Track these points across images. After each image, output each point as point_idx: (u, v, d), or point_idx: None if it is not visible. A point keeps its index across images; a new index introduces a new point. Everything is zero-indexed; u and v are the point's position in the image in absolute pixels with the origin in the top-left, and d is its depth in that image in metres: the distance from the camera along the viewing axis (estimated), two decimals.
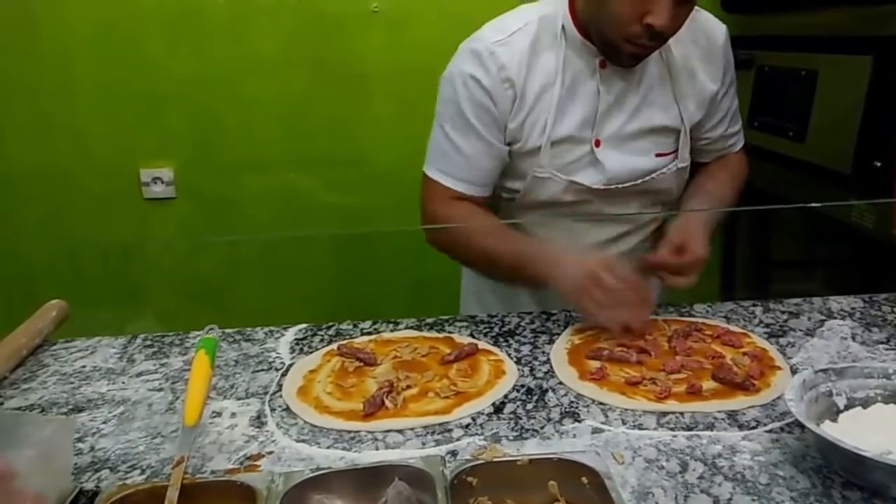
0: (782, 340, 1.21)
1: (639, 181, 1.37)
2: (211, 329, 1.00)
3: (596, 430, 0.95)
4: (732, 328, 1.25)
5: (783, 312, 1.32)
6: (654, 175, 1.38)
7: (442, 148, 1.37)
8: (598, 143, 1.34)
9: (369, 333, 1.27)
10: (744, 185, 1.51)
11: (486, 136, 1.33)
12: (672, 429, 0.95)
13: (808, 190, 1.83)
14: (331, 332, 1.28)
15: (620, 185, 1.36)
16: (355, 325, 1.30)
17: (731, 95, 1.45)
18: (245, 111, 2.36)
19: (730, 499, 0.80)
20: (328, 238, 2.43)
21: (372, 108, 2.38)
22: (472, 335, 1.25)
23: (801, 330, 1.25)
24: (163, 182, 2.36)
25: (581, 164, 1.35)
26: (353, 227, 2.45)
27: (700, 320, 1.28)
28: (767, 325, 1.27)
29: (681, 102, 1.37)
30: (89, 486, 0.86)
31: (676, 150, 1.40)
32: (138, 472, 0.89)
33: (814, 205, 1.71)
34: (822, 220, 1.90)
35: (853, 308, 1.33)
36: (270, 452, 0.92)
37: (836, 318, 1.29)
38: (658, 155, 1.38)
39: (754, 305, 1.36)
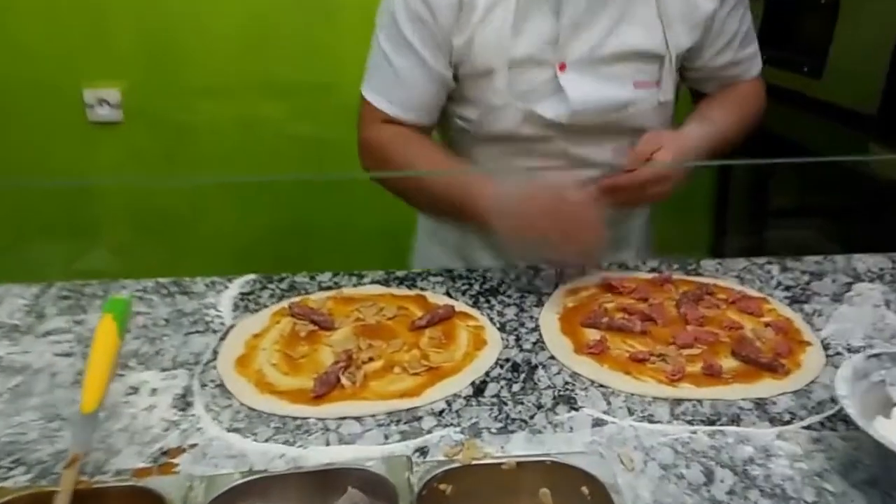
0: (807, 307, 1.04)
1: (611, 115, 1.16)
2: (123, 287, 0.81)
3: (597, 423, 0.78)
4: (749, 292, 1.08)
5: (803, 273, 1.15)
6: (628, 109, 1.16)
7: (378, 64, 1.17)
8: (563, 68, 1.12)
9: (328, 288, 1.08)
10: (758, 117, 1.30)
11: (424, 53, 1.12)
12: (690, 422, 0.78)
13: (824, 133, 1.65)
14: (283, 285, 1.09)
15: (588, 122, 1.15)
16: (312, 278, 1.11)
17: (740, 15, 1.21)
18: (202, 28, 2.11)
19: None
20: (289, 174, 2.21)
21: (342, 28, 2.14)
22: (448, 293, 1.06)
23: (826, 295, 1.08)
24: (109, 104, 2.12)
25: (543, 92, 1.14)
26: (320, 160, 2.22)
27: (711, 281, 1.11)
28: (788, 288, 1.10)
29: (667, 23, 1.14)
30: None
31: (660, 81, 1.18)
32: (24, 468, 0.70)
33: (824, 159, 1.52)
34: (834, 166, 1.73)
35: (881, 269, 1.16)
36: (193, 446, 0.73)
37: (863, 280, 1.13)
38: (637, 85, 1.17)
39: (770, 263, 1.18)
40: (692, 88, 1.32)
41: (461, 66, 1.14)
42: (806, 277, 1.14)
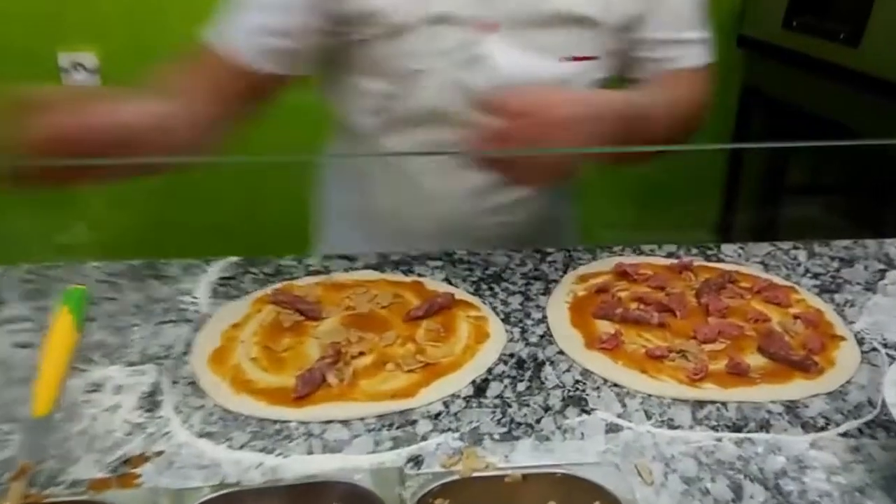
0: (838, 297, 0.96)
1: None
2: (85, 276, 0.72)
3: (611, 428, 0.70)
4: (775, 280, 1.00)
5: (832, 258, 1.07)
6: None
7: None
8: (487, 27, 0.96)
9: (317, 273, 1.00)
10: (698, 114, 1.07)
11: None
12: (714, 427, 0.70)
13: (858, 105, 1.55)
14: (267, 268, 1.01)
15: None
16: (300, 262, 1.03)
17: None
18: None
19: None
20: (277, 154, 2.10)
21: None
22: (447, 279, 0.98)
23: (858, 283, 1.00)
24: (86, 69, 2.01)
25: (461, 56, 0.97)
26: (311, 130, 2.11)
27: (733, 268, 1.02)
28: (816, 276, 1.02)
29: None
30: None
31: (597, 55, 1.01)
32: None
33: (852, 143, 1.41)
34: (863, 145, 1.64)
35: None
36: (160, 453, 0.65)
37: None
38: (567, 59, 0.99)
39: (796, 248, 1.10)
40: (623, 78, 1.11)
41: (368, 26, 0.96)
42: (835, 264, 1.05)
